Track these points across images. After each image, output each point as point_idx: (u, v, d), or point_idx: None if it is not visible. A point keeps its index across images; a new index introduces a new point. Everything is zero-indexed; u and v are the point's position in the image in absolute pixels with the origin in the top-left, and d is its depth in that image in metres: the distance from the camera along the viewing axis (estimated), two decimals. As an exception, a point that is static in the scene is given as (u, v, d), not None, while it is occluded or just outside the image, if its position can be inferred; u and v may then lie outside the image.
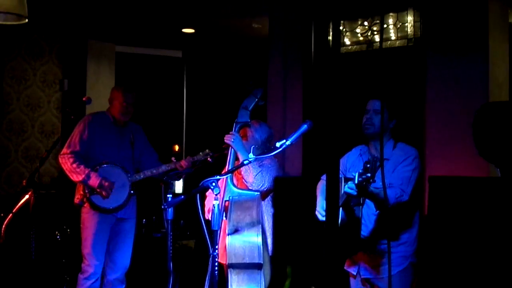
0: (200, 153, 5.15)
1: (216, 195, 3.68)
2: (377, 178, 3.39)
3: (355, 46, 6.23)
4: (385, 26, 5.97)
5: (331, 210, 1.68)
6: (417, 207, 4.09)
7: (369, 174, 3.35)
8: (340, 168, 4.17)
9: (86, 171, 4.94)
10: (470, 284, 2.32)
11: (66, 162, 4.98)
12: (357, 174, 3.47)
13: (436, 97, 5.39)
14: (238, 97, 4.57)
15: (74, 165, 4.94)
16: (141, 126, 5.44)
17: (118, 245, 5.16)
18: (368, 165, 3.37)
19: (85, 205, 5.00)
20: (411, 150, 4.00)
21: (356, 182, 3.47)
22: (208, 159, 4.92)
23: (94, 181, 4.91)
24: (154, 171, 5.13)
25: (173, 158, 5.15)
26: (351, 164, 4.12)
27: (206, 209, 4.39)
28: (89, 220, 5.01)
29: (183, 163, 5.09)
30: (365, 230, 3.86)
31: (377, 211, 3.82)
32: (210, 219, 3.94)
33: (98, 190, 4.90)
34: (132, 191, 5.14)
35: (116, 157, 5.12)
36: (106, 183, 4.92)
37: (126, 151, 5.19)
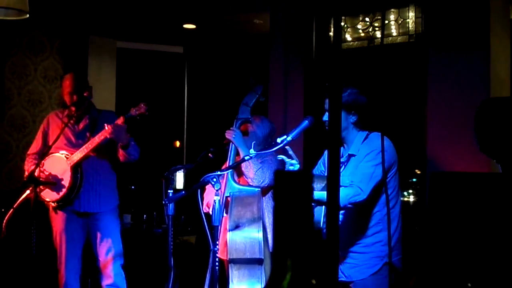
0: (132, 109, 4.74)
1: (217, 190, 3.68)
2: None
3: (356, 42, 6.23)
4: (386, 22, 5.97)
5: (332, 207, 1.68)
6: (393, 203, 3.78)
7: None
8: (323, 165, 4.10)
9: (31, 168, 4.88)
10: (471, 280, 2.32)
11: (25, 165, 5.02)
12: None
13: (437, 93, 5.39)
14: (239, 93, 4.57)
15: (27, 166, 4.96)
16: (112, 112, 5.14)
17: (98, 246, 4.95)
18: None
19: (46, 204, 4.94)
20: (377, 142, 3.64)
21: None
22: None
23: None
24: (90, 145, 4.76)
25: (105, 125, 4.75)
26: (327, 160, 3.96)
27: (204, 202, 4.39)
28: (52, 219, 4.96)
29: (110, 126, 4.67)
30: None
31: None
32: (209, 212, 3.95)
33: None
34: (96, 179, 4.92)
35: (72, 145, 4.90)
36: (46, 173, 4.76)
37: (82, 138, 4.92)
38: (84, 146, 4.79)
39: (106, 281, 4.93)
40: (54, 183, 4.77)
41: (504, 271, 2.27)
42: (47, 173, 4.77)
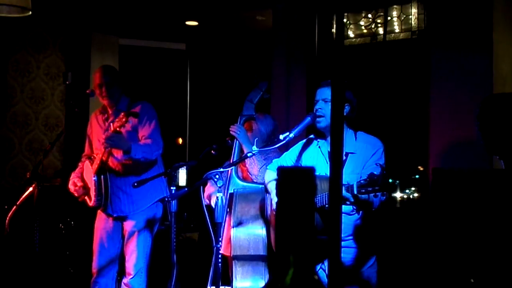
0: (116, 122, 4.52)
1: (219, 187, 3.68)
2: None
3: (358, 39, 6.22)
4: (389, 18, 5.96)
5: (334, 209, 1.68)
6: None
7: (377, 187, 3.12)
8: (292, 160, 3.96)
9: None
10: (474, 276, 2.32)
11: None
12: (355, 183, 3.23)
13: (440, 89, 5.38)
14: (242, 90, 4.57)
15: (79, 165, 4.99)
16: (146, 104, 4.92)
17: (125, 245, 4.90)
18: (376, 177, 3.14)
19: None
20: (378, 142, 3.72)
21: (355, 192, 3.24)
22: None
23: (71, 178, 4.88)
24: (100, 154, 4.67)
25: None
26: (309, 157, 3.87)
27: (205, 194, 4.38)
28: (95, 221, 4.99)
29: (104, 137, 4.57)
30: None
31: (356, 213, 3.62)
32: (209, 204, 3.94)
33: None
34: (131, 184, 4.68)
35: (103, 145, 4.78)
36: (74, 184, 4.81)
37: None
38: (98, 154, 4.70)
39: (124, 279, 4.91)
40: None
41: (506, 267, 2.27)
42: (79, 184, 4.82)
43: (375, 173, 3.17)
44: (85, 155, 5.03)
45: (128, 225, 4.87)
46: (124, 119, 4.43)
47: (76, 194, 4.84)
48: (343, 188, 3.27)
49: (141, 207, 4.87)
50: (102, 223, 4.92)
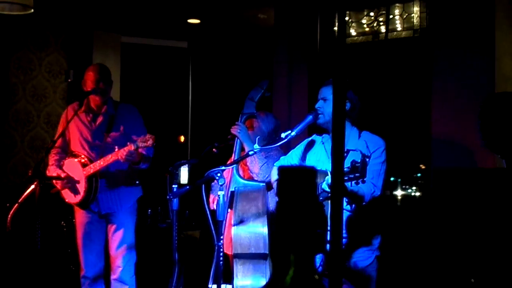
0: (140, 141, 4.51)
1: (221, 185, 3.68)
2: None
3: (361, 37, 6.22)
4: (391, 16, 5.96)
5: (336, 205, 1.68)
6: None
7: (358, 174, 3.14)
8: (298, 157, 3.98)
9: (48, 166, 4.90)
10: (475, 275, 2.32)
11: (48, 157, 4.98)
12: None
13: (442, 88, 5.38)
14: (243, 88, 4.56)
15: (50, 160, 4.95)
16: (133, 107, 5.02)
17: (110, 240, 4.93)
18: (358, 164, 3.15)
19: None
20: (380, 140, 3.73)
21: None
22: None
23: (50, 173, 4.84)
24: (102, 162, 4.67)
25: (116, 147, 4.63)
26: (314, 153, 3.90)
27: (211, 199, 4.40)
28: (75, 215, 4.98)
29: (124, 153, 4.54)
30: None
31: (348, 205, 3.63)
32: (215, 209, 3.95)
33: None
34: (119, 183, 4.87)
35: (88, 146, 4.83)
36: (63, 175, 4.76)
37: (99, 138, 4.83)
38: (97, 162, 4.68)
39: (112, 276, 4.92)
40: (61, 178, 4.77)
41: (508, 266, 2.27)
42: (64, 175, 4.76)
43: (357, 160, 3.18)
44: (58, 147, 4.98)
45: (115, 221, 4.91)
46: (149, 142, 4.47)
47: (59, 186, 4.82)
48: (327, 179, 3.34)
49: (128, 204, 4.95)
50: (85, 218, 4.91)
